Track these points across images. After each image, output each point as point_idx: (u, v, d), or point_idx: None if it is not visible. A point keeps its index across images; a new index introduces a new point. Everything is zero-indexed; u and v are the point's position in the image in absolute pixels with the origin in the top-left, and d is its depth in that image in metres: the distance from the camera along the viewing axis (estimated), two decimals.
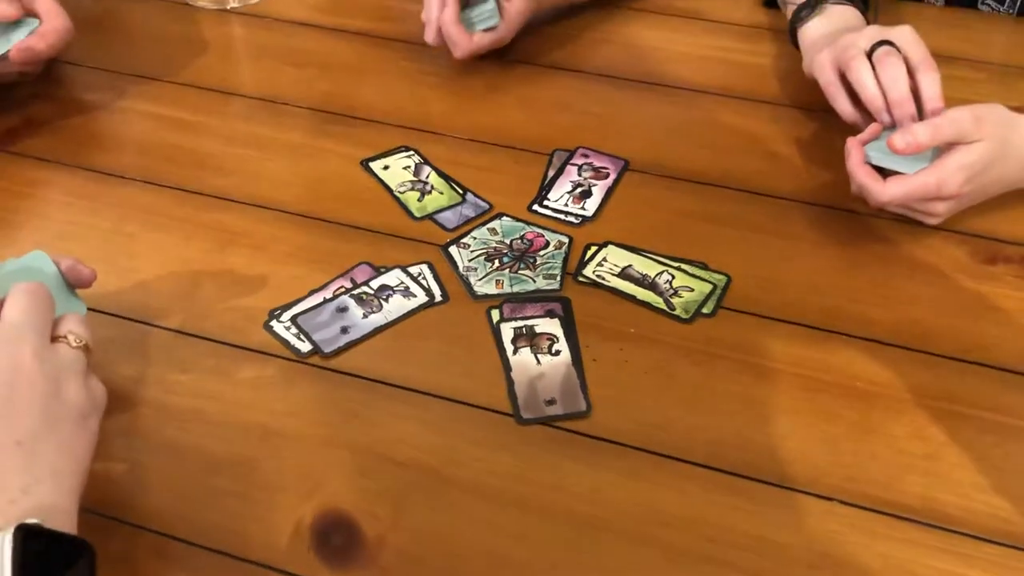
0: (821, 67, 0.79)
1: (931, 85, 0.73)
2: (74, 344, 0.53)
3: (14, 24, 0.82)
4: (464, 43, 0.88)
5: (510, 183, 0.79)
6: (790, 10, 0.88)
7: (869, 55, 0.75)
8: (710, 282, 0.71)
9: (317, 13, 1.01)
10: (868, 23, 0.87)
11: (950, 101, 0.74)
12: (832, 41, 0.79)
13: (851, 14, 0.85)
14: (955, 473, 0.59)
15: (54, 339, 0.52)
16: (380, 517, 0.56)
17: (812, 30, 0.85)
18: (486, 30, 0.88)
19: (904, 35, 0.76)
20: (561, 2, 0.97)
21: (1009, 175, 0.73)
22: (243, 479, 0.58)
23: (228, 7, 1.01)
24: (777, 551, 0.55)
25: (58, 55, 0.88)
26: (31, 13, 0.83)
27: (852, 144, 0.72)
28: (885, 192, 0.69)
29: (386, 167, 0.81)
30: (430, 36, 0.89)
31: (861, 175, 0.70)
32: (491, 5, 0.88)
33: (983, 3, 0.99)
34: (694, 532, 0.56)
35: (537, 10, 0.94)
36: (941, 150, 0.70)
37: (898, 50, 0.75)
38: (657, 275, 0.71)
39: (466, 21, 0.88)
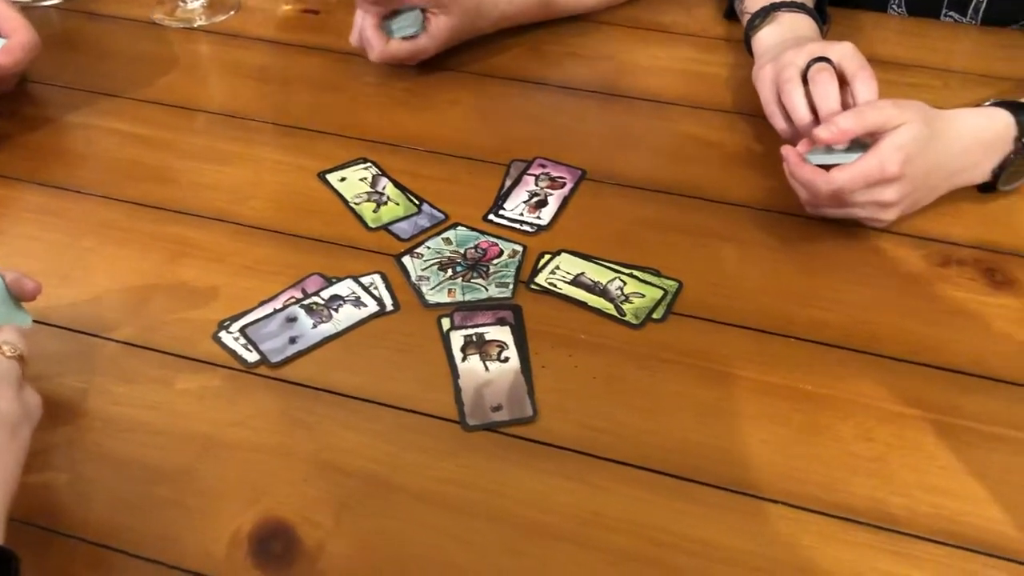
0: (761, 84, 0.80)
1: (866, 90, 0.74)
2: (8, 354, 0.53)
3: None
4: (378, 46, 0.89)
5: (467, 193, 0.80)
6: (746, 19, 0.89)
7: (805, 72, 0.76)
8: (661, 288, 0.71)
9: (283, 31, 1.02)
10: (821, 30, 0.87)
11: None
12: (777, 55, 0.80)
13: (803, 22, 0.85)
14: (902, 474, 0.59)
15: None
16: (321, 524, 0.56)
17: (764, 38, 0.86)
18: (405, 38, 0.90)
19: (843, 50, 0.76)
20: (503, 23, 0.97)
21: (945, 162, 0.73)
22: (183, 488, 0.57)
23: (195, 25, 1.02)
24: (724, 555, 0.55)
25: (25, 72, 0.89)
26: None
27: (788, 149, 0.73)
28: (833, 180, 0.69)
29: (343, 179, 0.81)
30: (353, 38, 0.91)
31: (804, 171, 0.70)
32: (413, 15, 0.89)
33: (946, 15, 1.00)
34: (640, 536, 0.56)
35: (472, 29, 0.94)
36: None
37: (834, 66, 0.75)
38: (609, 282, 0.71)
39: (387, 28, 0.89)
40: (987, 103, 0.76)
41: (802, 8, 0.86)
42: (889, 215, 0.73)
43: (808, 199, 0.73)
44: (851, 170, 0.69)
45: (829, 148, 0.72)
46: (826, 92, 0.74)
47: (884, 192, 0.70)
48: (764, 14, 0.86)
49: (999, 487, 0.58)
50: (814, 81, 0.75)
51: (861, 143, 0.71)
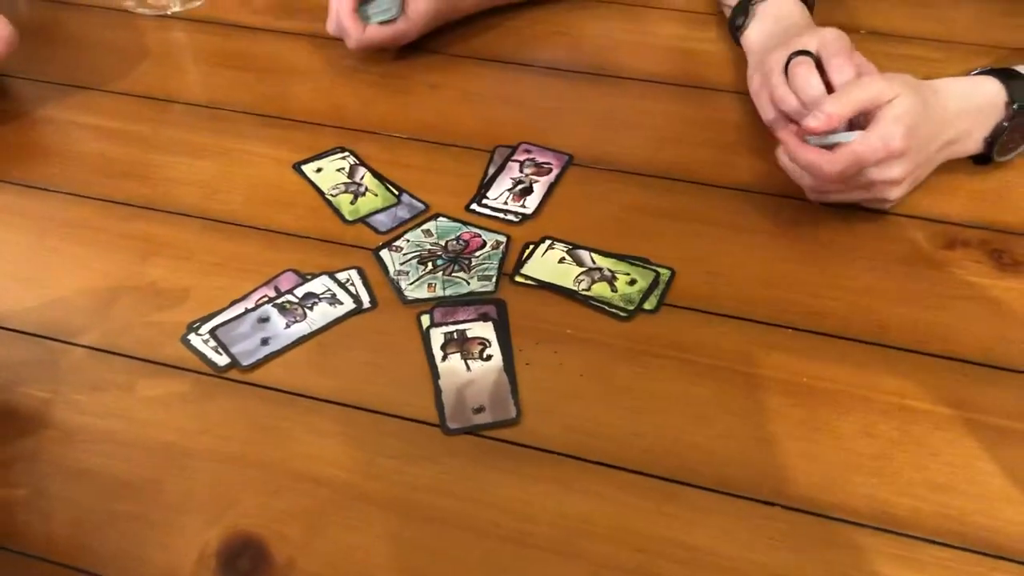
0: (754, 96, 0.77)
1: (839, 76, 0.70)
2: None
3: None
4: (355, 33, 0.86)
5: (449, 182, 0.76)
6: (726, 9, 0.85)
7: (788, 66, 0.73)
8: (654, 271, 0.67)
9: (260, 16, 0.98)
10: (811, 5, 0.83)
11: None
12: (762, 59, 0.77)
13: (787, 6, 0.81)
14: (906, 472, 0.56)
15: None
16: (290, 538, 0.53)
17: (751, 38, 0.82)
18: (382, 23, 0.86)
19: (823, 38, 0.73)
20: (485, 3, 0.93)
21: (938, 131, 0.69)
22: (147, 502, 0.55)
23: (169, 13, 0.98)
24: (714, 561, 0.52)
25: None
26: None
27: (785, 133, 0.69)
28: (835, 161, 0.65)
29: (319, 170, 0.78)
30: (330, 25, 0.88)
31: (807, 153, 0.67)
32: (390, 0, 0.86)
33: None
34: (624, 544, 0.53)
35: (452, 10, 0.91)
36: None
37: (813, 55, 0.72)
38: (596, 270, 0.68)
39: (363, 13, 0.86)
40: (975, 72, 0.73)
41: None
42: (895, 193, 0.69)
43: (812, 184, 0.69)
44: (852, 150, 0.65)
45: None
46: (806, 82, 0.70)
47: (891, 169, 0.66)
48: (743, 9, 0.82)
49: (1010, 484, 0.55)
50: (791, 76, 0.72)
51: (858, 124, 0.67)
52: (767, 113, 0.75)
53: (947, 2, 0.95)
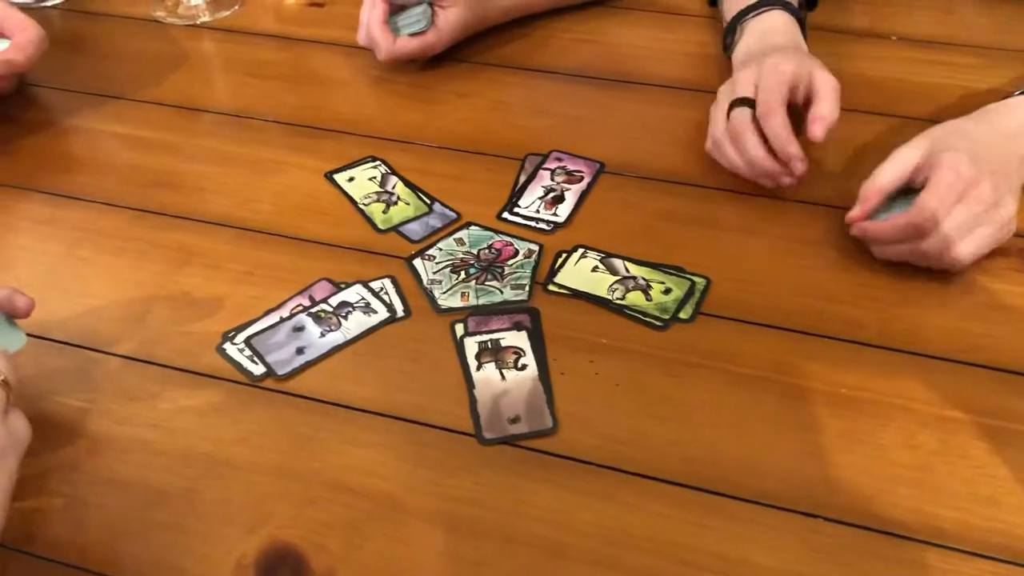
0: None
1: (772, 139, 0.70)
2: None
3: None
4: (386, 45, 0.86)
5: (480, 191, 0.76)
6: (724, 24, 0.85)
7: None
8: (689, 279, 0.67)
9: (288, 25, 0.98)
10: (800, 20, 0.82)
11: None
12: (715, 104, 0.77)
13: (772, 21, 0.80)
14: (950, 484, 0.55)
15: None
16: (330, 550, 0.53)
17: (738, 58, 0.81)
18: (413, 35, 0.86)
19: (761, 82, 0.72)
20: (512, 12, 0.93)
21: (1006, 149, 0.67)
22: (184, 512, 0.54)
23: (198, 22, 0.99)
24: (755, 574, 0.51)
25: (25, 74, 0.86)
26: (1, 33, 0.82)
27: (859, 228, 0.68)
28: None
29: (351, 179, 0.78)
30: (360, 37, 0.88)
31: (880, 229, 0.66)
32: (420, 10, 0.86)
33: None
34: (665, 555, 0.52)
35: (481, 21, 0.91)
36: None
37: (752, 103, 0.72)
38: (631, 279, 0.68)
39: (393, 25, 0.86)
40: (1017, 92, 0.72)
41: (773, 3, 0.81)
42: (1004, 213, 0.65)
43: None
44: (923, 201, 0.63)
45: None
46: (744, 146, 0.71)
47: (978, 198, 0.64)
48: (732, 28, 0.82)
49: None
50: (731, 136, 0.72)
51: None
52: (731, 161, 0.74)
53: (968, 7, 0.94)
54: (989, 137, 0.67)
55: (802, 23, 0.82)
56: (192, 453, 0.58)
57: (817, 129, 0.70)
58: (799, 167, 0.69)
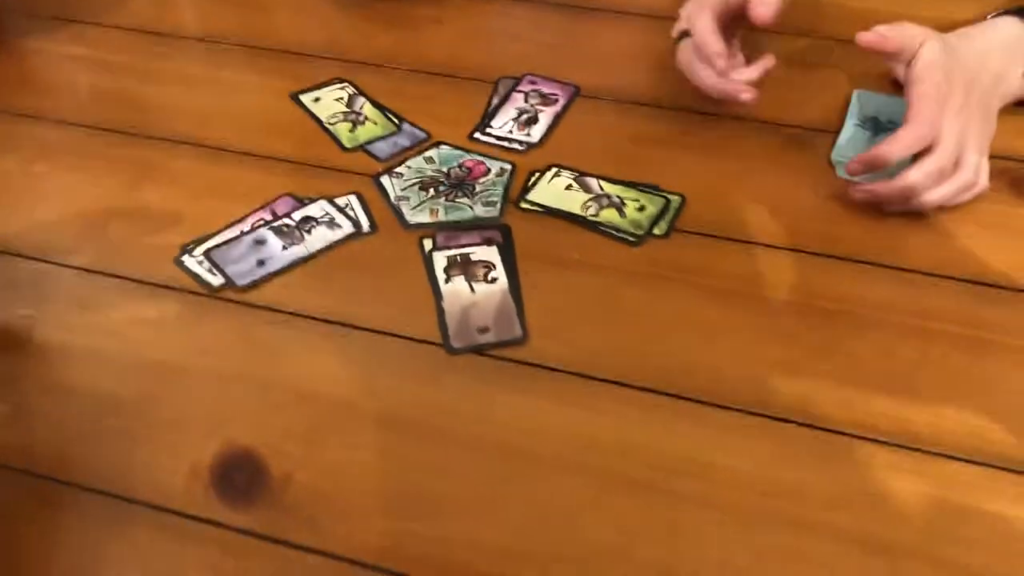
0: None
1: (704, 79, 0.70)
2: None
3: None
4: None
5: (451, 112, 0.74)
6: None
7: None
8: (664, 197, 0.65)
9: None
10: None
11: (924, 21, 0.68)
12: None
13: None
14: (926, 392, 0.54)
15: None
16: (288, 454, 0.51)
17: None
18: None
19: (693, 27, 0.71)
20: None
21: (977, 72, 0.66)
22: (139, 419, 0.52)
23: None
24: (726, 477, 0.50)
25: None
26: None
27: (856, 191, 0.65)
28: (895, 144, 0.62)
29: (317, 99, 0.75)
30: None
31: (884, 189, 0.63)
32: None
33: None
34: (634, 459, 0.51)
35: None
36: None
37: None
38: (604, 196, 0.66)
39: None
40: (990, 15, 0.71)
41: None
42: (976, 183, 0.64)
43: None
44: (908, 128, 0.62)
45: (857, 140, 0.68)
46: (697, 75, 0.70)
47: (967, 157, 0.63)
48: None
49: None
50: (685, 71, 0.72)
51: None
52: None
53: None
54: (967, 58, 0.66)
55: None
56: (149, 362, 0.56)
57: (761, 11, 0.67)
58: (744, 96, 0.67)
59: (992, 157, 0.68)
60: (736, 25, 0.71)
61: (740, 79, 0.68)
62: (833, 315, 0.58)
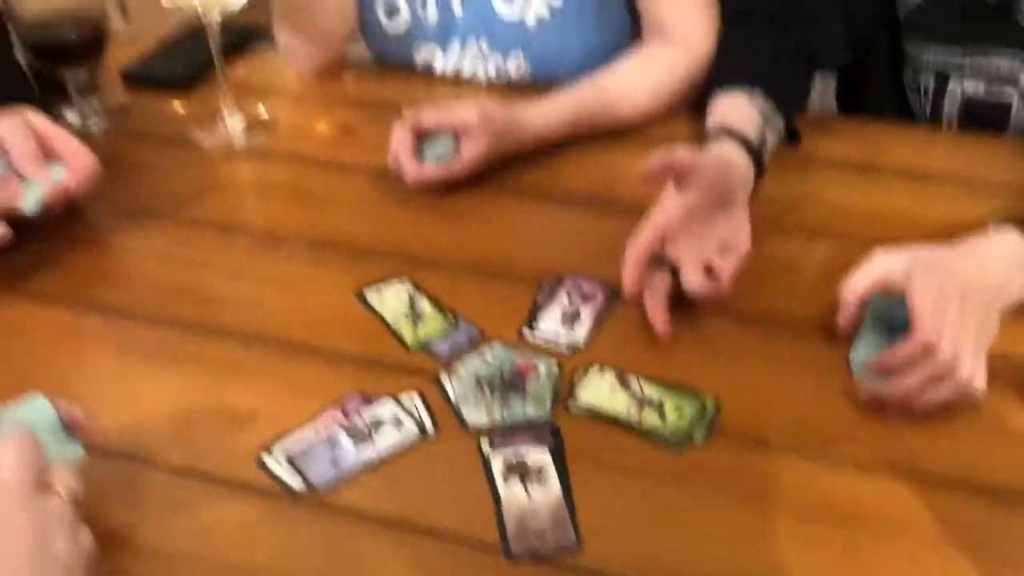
0: None
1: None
2: (64, 496, 0.53)
3: None
4: (412, 171, 0.93)
5: (500, 311, 0.81)
6: None
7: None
8: (700, 401, 0.72)
9: (319, 150, 1.05)
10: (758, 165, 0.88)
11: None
12: None
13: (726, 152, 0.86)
14: None
15: (44, 490, 0.53)
16: None
17: None
18: (438, 162, 0.94)
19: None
20: (539, 142, 0.99)
21: (976, 279, 0.72)
22: None
23: (234, 146, 1.05)
24: None
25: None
26: (52, 156, 0.86)
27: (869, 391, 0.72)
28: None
29: (381, 297, 0.83)
30: (389, 160, 0.95)
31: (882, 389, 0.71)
32: (445, 140, 0.94)
33: None
34: None
35: (503, 150, 0.96)
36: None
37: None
38: (646, 399, 0.72)
39: (420, 152, 0.94)
40: (992, 226, 0.78)
41: (730, 136, 0.87)
42: (967, 366, 0.69)
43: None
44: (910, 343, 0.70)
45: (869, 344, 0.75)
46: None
47: (961, 358, 0.69)
48: None
49: None
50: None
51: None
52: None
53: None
54: (967, 266, 0.73)
55: (757, 154, 0.87)
56: (235, 566, 0.61)
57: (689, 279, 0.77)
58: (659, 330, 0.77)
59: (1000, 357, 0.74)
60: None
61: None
62: (865, 522, 0.63)
